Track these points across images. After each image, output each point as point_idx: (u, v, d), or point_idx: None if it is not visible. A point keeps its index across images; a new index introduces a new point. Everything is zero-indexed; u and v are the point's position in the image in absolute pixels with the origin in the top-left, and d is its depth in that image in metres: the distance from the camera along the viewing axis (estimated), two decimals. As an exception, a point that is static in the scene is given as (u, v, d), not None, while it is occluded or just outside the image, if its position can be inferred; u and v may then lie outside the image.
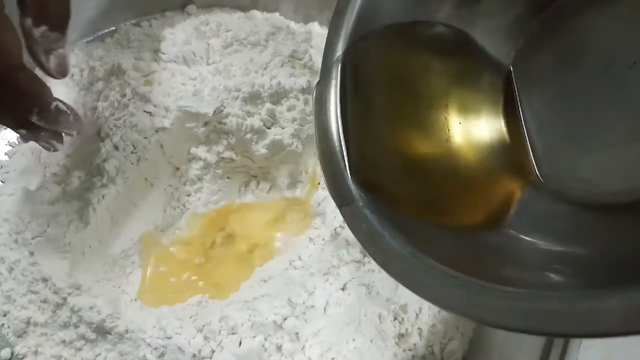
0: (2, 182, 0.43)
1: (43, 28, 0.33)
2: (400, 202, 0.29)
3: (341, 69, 0.30)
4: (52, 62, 0.35)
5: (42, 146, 0.39)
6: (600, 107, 0.27)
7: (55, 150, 0.40)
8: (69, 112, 0.38)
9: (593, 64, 0.28)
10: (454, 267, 0.22)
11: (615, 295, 0.17)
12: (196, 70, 0.45)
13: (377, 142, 0.30)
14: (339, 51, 0.30)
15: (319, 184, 0.45)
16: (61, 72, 0.36)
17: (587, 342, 0.29)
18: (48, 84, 0.35)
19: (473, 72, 0.33)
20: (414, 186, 0.30)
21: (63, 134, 0.39)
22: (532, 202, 0.30)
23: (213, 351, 0.37)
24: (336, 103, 0.29)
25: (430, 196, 0.30)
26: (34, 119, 0.34)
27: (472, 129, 0.32)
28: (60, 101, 0.37)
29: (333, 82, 0.30)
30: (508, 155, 0.32)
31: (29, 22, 0.33)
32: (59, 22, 0.34)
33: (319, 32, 0.50)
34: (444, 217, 0.29)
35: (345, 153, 0.28)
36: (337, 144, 0.29)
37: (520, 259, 0.27)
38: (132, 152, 0.42)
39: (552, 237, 0.27)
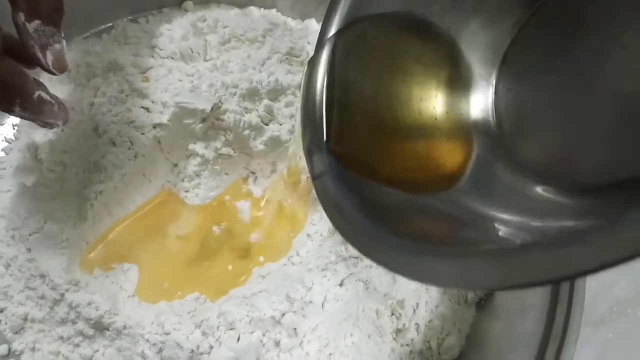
0: (-2, 178, 0.43)
1: (36, 22, 0.33)
2: (372, 171, 0.29)
3: (333, 46, 0.30)
4: (49, 58, 0.34)
5: (40, 125, 0.38)
6: (591, 91, 0.28)
7: (56, 126, 0.39)
8: (53, 101, 0.37)
9: (585, 49, 0.28)
10: (412, 234, 0.23)
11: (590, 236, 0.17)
12: (193, 66, 0.45)
13: (359, 116, 0.31)
14: (333, 31, 0.31)
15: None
16: (59, 67, 0.35)
17: (583, 338, 0.30)
18: (39, 78, 0.34)
19: (467, 65, 0.33)
20: (388, 156, 0.31)
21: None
22: (492, 172, 0.31)
23: (211, 347, 0.37)
24: (324, 77, 0.30)
25: (401, 164, 0.31)
26: (17, 109, 0.33)
27: (460, 117, 0.33)
28: (44, 90, 0.36)
29: (323, 59, 0.30)
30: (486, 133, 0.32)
31: (21, 17, 0.32)
32: (51, 15, 0.34)
33: (316, 28, 0.50)
34: (411, 182, 0.30)
35: (324, 123, 0.29)
36: (318, 114, 0.29)
37: (475, 224, 0.27)
38: (129, 148, 0.42)
39: (509, 208, 0.28)
